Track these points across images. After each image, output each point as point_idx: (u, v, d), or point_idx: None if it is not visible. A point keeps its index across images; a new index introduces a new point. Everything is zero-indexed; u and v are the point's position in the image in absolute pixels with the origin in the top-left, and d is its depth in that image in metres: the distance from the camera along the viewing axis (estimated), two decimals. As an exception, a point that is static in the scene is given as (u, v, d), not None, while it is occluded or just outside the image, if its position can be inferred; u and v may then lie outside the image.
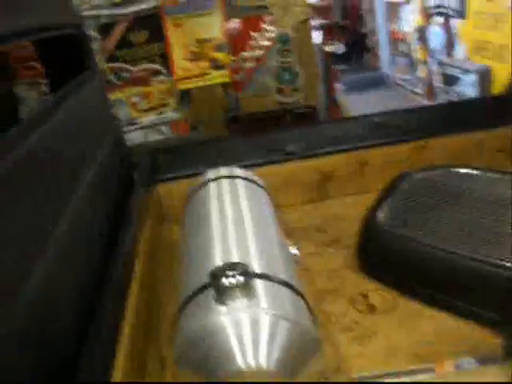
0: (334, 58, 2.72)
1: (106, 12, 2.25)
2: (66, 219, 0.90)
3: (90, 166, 1.16)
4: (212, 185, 1.17)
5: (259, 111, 2.31)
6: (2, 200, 0.70)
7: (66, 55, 1.35)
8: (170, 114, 2.30)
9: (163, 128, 2.31)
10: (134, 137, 2.26)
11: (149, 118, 2.30)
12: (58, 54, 1.35)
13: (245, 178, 1.20)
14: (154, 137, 2.30)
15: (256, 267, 0.80)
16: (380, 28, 6.64)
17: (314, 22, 2.41)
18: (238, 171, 1.23)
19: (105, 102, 1.54)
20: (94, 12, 2.23)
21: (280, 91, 2.29)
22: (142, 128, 2.29)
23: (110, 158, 1.34)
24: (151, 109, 2.30)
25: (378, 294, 1.07)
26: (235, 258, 0.84)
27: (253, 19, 2.25)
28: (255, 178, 1.23)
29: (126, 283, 0.98)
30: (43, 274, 0.74)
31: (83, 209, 1.03)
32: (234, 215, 1.01)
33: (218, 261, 0.84)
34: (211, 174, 1.23)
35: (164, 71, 2.27)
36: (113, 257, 1.01)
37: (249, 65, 2.28)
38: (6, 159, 0.74)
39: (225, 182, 1.17)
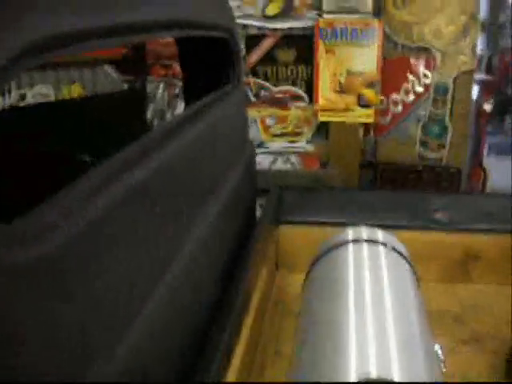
0: (486, 117, 2.51)
1: (256, 23, 2.15)
2: (187, 251, 0.83)
3: (220, 190, 1.05)
4: (351, 249, 1.00)
5: (396, 161, 2.12)
6: (129, 213, 0.64)
7: (210, 60, 1.24)
8: (303, 145, 2.16)
9: (292, 158, 2.17)
10: (259, 161, 2.13)
11: (279, 144, 2.17)
12: (201, 57, 1.24)
13: (388, 246, 1.02)
14: (281, 165, 2.16)
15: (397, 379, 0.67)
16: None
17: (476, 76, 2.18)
18: (382, 235, 1.06)
19: (244, 121, 1.42)
20: (242, 21, 2.13)
21: (424, 144, 2.10)
22: (269, 153, 2.17)
23: (240, 184, 1.22)
24: (284, 134, 2.18)
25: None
26: (373, 369, 0.68)
27: (411, 60, 2.08)
28: (400, 246, 1.05)
29: (233, 344, 0.87)
30: (148, 319, 0.66)
31: (205, 242, 0.93)
32: (375, 303, 0.84)
33: (352, 363, 0.70)
34: (350, 233, 1.06)
35: (306, 98, 2.13)
36: (223, 310, 0.90)
37: (397, 109, 2.10)
38: (137, 171, 0.66)
39: (366, 250, 1.00)
